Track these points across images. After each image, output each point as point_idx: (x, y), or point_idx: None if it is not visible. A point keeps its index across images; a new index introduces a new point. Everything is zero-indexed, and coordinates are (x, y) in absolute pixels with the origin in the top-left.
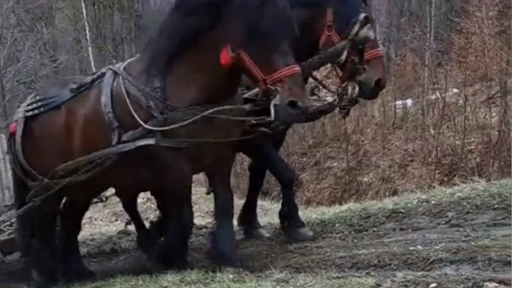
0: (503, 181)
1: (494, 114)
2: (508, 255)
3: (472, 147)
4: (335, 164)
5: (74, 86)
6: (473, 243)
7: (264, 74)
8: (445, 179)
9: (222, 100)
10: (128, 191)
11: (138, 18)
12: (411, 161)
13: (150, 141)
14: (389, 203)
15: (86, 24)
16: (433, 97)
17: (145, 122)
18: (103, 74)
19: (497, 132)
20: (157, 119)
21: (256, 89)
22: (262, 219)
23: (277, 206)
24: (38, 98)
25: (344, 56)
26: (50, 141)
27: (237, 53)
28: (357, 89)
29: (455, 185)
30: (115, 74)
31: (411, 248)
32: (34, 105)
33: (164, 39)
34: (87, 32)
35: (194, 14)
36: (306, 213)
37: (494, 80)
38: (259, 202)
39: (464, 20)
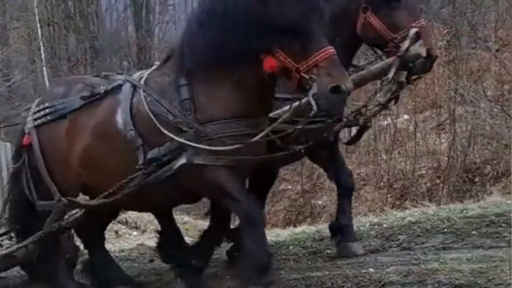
0: (452, 206)
1: (443, 140)
2: (457, 279)
3: (423, 172)
4: (290, 187)
5: (86, 93)
6: (423, 266)
7: (296, 63)
8: (397, 202)
9: (256, 113)
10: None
11: (94, 40)
12: (364, 185)
13: (183, 161)
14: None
15: (41, 44)
16: (385, 123)
17: (169, 140)
18: (119, 86)
19: (446, 158)
20: (187, 133)
21: (285, 108)
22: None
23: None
24: (44, 105)
25: (391, 74)
26: (55, 152)
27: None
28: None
29: (406, 208)
30: (134, 87)
31: (364, 270)
32: (42, 113)
33: (195, 47)
34: (42, 52)
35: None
36: (284, 232)
37: (443, 108)
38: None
39: None
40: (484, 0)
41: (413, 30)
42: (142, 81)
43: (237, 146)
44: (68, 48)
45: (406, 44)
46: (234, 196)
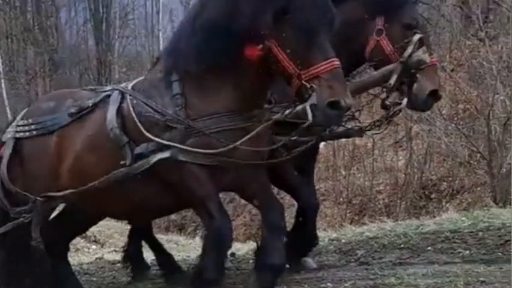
0: (409, 221)
1: (400, 157)
2: None
3: (381, 188)
4: None
5: (73, 109)
6: (380, 281)
7: (299, 69)
8: (356, 218)
9: (250, 111)
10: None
11: (53, 53)
12: (324, 200)
13: (166, 154)
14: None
15: None
16: (343, 139)
17: (164, 133)
18: (107, 96)
19: (403, 175)
20: (176, 129)
21: (287, 111)
22: (177, 255)
23: (192, 242)
24: (30, 120)
25: (393, 81)
26: (40, 166)
27: (267, 45)
28: (405, 100)
29: (364, 224)
30: (122, 94)
31: (322, 285)
32: (26, 128)
33: (189, 42)
34: (0, 64)
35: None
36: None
37: (400, 125)
38: (176, 237)
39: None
40: (438, 21)
41: (416, 36)
42: (129, 87)
43: (240, 142)
44: (27, 61)
45: (409, 49)
46: (210, 210)
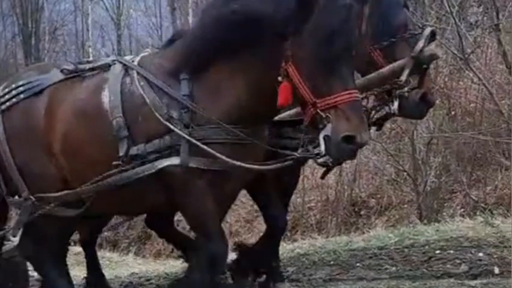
0: (338, 238)
1: (331, 174)
2: None
3: (312, 205)
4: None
5: (67, 66)
6: None
7: (315, 96)
8: (288, 234)
9: (260, 120)
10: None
11: None
12: (257, 216)
13: (175, 161)
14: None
15: None
16: None
17: (161, 136)
18: (107, 65)
19: (334, 192)
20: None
21: (293, 110)
22: (109, 272)
23: (125, 259)
24: (19, 83)
25: (404, 77)
26: (31, 138)
27: (286, 68)
28: (395, 104)
29: (296, 240)
30: (126, 68)
31: None
32: (13, 93)
33: (205, 37)
34: None
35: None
36: (155, 266)
37: None
38: (109, 254)
39: None
40: None
41: (428, 30)
42: (135, 62)
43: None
44: None
45: (421, 43)
46: (209, 231)
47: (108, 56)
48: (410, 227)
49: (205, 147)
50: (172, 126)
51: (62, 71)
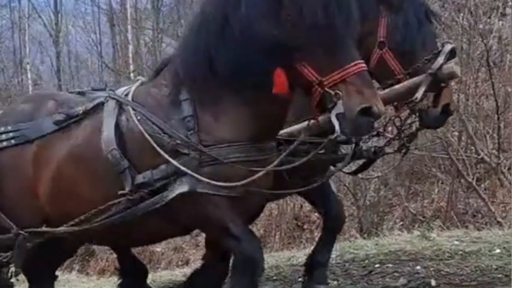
0: (281, 253)
1: None
2: None
3: (256, 219)
4: None
5: (59, 116)
6: None
7: (319, 75)
8: None
9: (268, 137)
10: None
11: None
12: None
13: (184, 189)
14: (179, 274)
15: None
16: None
17: (164, 163)
18: (101, 104)
19: (277, 206)
20: (188, 156)
21: (294, 127)
22: None
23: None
24: (9, 128)
25: (420, 94)
26: (17, 182)
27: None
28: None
29: None
30: (119, 104)
31: None
32: (3, 137)
33: (201, 56)
34: None
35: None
36: (99, 284)
37: None
38: None
39: None
40: None
41: (448, 46)
42: (130, 97)
43: (253, 178)
44: None
45: (440, 60)
46: (234, 232)
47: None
48: (351, 241)
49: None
50: (178, 164)
51: (54, 122)
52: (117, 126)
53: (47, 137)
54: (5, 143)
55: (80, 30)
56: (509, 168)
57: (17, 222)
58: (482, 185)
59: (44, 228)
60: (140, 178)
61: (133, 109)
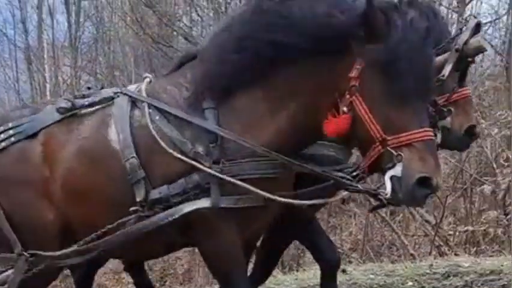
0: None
1: None
2: None
3: (180, 254)
4: None
5: (63, 104)
6: None
7: (385, 133)
8: (157, 285)
9: (299, 149)
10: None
11: None
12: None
13: (205, 204)
14: None
15: None
16: None
17: (187, 175)
18: (110, 98)
19: None
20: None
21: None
22: None
23: None
24: (9, 125)
25: (447, 72)
26: (29, 187)
27: (351, 100)
28: (438, 136)
29: None
30: (133, 101)
31: None
32: (2, 136)
33: (235, 53)
34: None
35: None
36: None
37: None
38: None
39: None
40: None
41: (473, 21)
42: (143, 92)
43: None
44: None
45: (466, 35)
46: (233, 281)
47: None
48: (272, 276)
49: (245, 184)
50: (201, 166)
51: (58, 110)
52: (131, 126)
53: (53, 130)
54: (3, 143)
55: None
56: None
57: (26, 238)
58: (396, 218)
59: (48, 253)
60: (155, 194)
61: (150, 105)
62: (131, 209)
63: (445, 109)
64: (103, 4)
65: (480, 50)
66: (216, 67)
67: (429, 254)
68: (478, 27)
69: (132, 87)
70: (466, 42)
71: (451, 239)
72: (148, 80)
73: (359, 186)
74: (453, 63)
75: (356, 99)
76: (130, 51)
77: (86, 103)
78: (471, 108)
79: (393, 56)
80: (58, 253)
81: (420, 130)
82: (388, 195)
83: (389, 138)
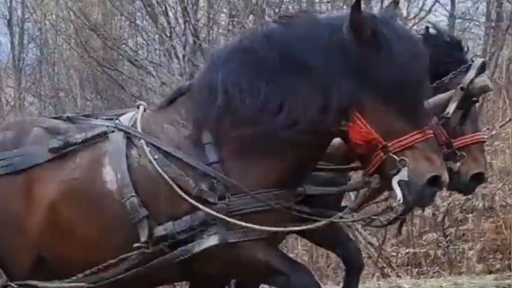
0: None
1: None
2: None
3: None
4: None
5: (55, 143)
6: None
7: (385, 140)
8: None
9: (297, 183)
10: None
11: None
12: None
13: (213, 242)
14: None
15: None
16: None
17: (189, 213)
18: (103, 134)
19: None
20: (216, 206)
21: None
22: None
23: None
24: None
25: (451, 110)
26: (7, 221)
27: (349, 112)
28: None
29: None
30: (128, 136)
31: None
32: None
33: (232, 91)
34: None
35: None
36: None
37: None
38: None
39: None
40: None
41: (478, 60)
42: (138, 126)
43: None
44: None
45: (471, 74)
46: (276, 267)
47: None
48: None
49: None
50: (206, 209)
51: (50, 150)
52: (129, 165)
53: (40, 168)
54: None
55: None
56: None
57: (6, 268)
58: None
59: (38, 282)
60: (160, 230)
61: (148, 144)
62: (135, 245)
63: (459, 153)
64: (47, 26)
65: (485, 89)
66: (215, 104)
67: (373, 276)
68: (483, 66)
69: (126, 118)
70: (471, 81)
71: (394, 261)
72: (142, 108)
73: (354, 216)
74: (458, 101)
75: (354, 110)
76: (75, 74)
77: (80, 140)
78: (482, 153)
79: (387, 61)
80: (49, 284)
81: (420, 131)
82: (401, 201)
83: (389, 143)
